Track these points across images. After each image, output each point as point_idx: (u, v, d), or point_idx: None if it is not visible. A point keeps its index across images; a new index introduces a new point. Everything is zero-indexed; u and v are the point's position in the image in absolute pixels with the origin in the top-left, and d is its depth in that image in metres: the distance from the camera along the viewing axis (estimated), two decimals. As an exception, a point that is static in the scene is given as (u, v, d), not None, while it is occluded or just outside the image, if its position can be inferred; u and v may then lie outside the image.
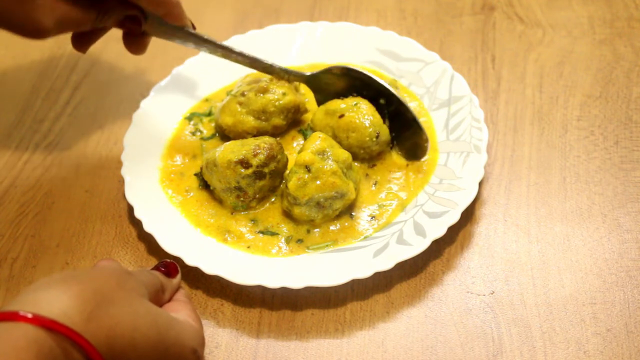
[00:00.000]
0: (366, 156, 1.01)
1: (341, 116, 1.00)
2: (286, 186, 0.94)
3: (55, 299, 0.67)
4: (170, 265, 0.85)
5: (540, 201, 0.98)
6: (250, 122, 1.03)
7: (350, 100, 1.01)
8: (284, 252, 0.94)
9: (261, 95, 1.03)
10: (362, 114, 0.99)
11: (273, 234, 0.95)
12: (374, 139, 0.99)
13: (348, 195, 0.94)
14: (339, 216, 0.96)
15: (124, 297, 0.72)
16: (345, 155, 0.95)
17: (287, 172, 0.97)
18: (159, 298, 0.81)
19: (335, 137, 0.99)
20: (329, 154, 0.94)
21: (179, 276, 0.86)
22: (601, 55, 1.14)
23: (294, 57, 1.16)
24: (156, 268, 0.85)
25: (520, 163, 1.02)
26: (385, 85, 1.02)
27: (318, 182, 0.92)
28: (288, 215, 0.97)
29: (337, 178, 0.92)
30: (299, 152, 0.95)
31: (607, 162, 1.01)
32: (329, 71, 1.05)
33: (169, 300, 0.83)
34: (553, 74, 1.13)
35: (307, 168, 0.92)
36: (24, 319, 0.65)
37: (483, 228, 0.96)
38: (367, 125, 0.99)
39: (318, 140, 0.95)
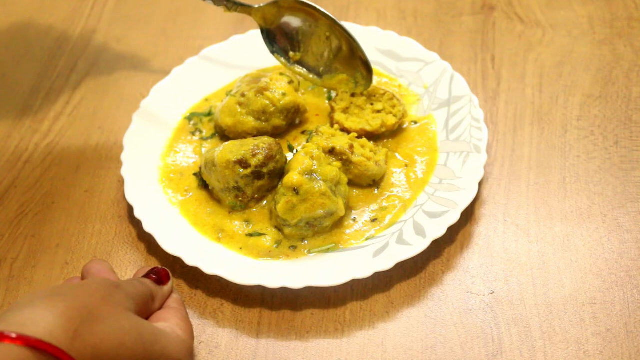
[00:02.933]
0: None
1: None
2: (275, 208, 0.94)
3: (40, 318, 0.68)
4: (161, 272, 0.85)
5: (540, 201, 0.98)
6: (251, 122, 1.03)
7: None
8: (275, 255, 0.94)
9: (261, 95, 1.03)
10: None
11: (261, 234, 0.95)
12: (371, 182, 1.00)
13: (337, 213, 0.93)
14: (340, 219, 0.96)
15: (109, 313, 0.72)
16: (333, 172, 0.93)
17: (276, 193, 0.96)
18: (148, 307, 0.80)
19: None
20: (317, 173, 0.93)
21: (170, 283, 0.85)
22: (601, 55, 1.14)
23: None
24: (147, 275, 0.84)
25: (520, 163, 1.02)
26: (333, 19, 1.02)
27: (307, 204, 0.91)
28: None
29: (326, 199, 0.91)
30: (286, 172, 0.94)
31: (607, 162, 1.01)
32: (276, 4, 1.04)
33: (160, 308, 0.83)
34: (553, 74, 1.13)
35: (296, 190, 0.92)
36: (9, 339, 0.65)
37: (483, 228, 0.96)
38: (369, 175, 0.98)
39: (305, 159, 0.93)
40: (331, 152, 0.97)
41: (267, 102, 1.02)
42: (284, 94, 1.03)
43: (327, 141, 0.97)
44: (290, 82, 1.04)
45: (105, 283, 0.76)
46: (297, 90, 1.06)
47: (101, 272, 0.83)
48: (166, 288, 0.84)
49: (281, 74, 1.05)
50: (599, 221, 0.96)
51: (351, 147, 0.97)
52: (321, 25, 1.03)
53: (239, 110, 1.03)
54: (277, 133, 1.04)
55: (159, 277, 0.84)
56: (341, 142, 0.98)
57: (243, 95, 1.03)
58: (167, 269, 0.86)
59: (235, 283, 0.90)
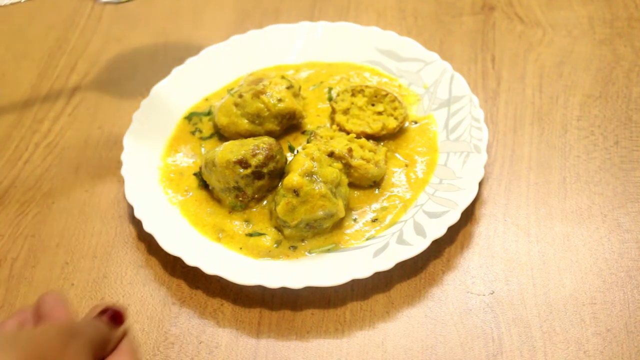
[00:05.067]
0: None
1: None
2: (275, 209, 0.94)
3: None
4: (117, 313, 0.78)
5: (540, 201, 0.98)
6: (244, 124, 1.03)
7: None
8: (275, 255, 0.94)
9: (257, 99, 1.02)
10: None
11: (261, 234, 0.95)
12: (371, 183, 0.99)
13: (337, 214, 0.93)
14: (340, 220, 0.96)
15: None
16: (334, 174, 0.93)
17: (276, 194, 0.95)
18: (103, 351, 0.76)
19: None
20: (317, 174, 0.92)
21: (125, 324, 0.79)
22: (601, 55, 1.14)
23: (294, 57, 1.16)
24: (101, 314, 0.78)
25: (520, 163, 1.02)
26: None
27: (307, 206, 0.91)
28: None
29: (326, 200, 0.91)
30: (286, 173, 0.94)
31: (607, 162, 1.01)
32: None
33: (113, 350, 0.77)
34: (553, 74, 1.13)
35: (296, 192, 0.92)
36: None
37: (483, 228, 0.96)
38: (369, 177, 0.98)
39: (305, 161, 0.93)
40: (330, 155, 0.97)
41: (262, 106, 1.02)
42: (280, 100, 1.02)
43: (325, 145, 0.97)
44: (289, 87, 1.04)
45: (64, 328, 0.72)
46: (296, 94, 1.06)
47: (55, 308, 0.79)
48: (121, 330, 0.78)
49: (282, 77, 1.05)
50: (599, 221, 0.96)
51: (350, 150, 0.97)
52: None
53: (235, 110, 1.03)
54: (272, 136, 1.03)
55: (114, 318, 0.78)
56: (340, 145, 0.98)
57: (240, 96, 1.03)
58: (123, 309, 0.79)
59: (235, 283, 0.90)
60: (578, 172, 1.01)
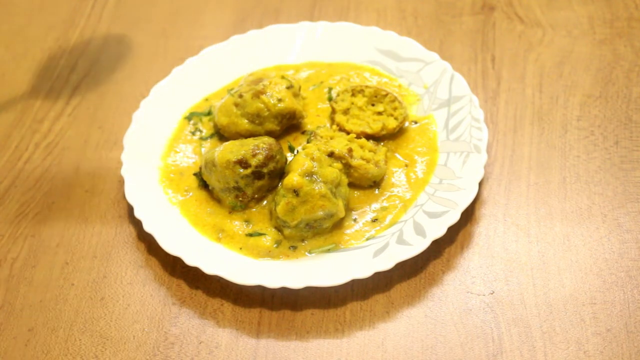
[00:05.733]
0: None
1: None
2: (275, 209, 0.94)
3: None
4: None
5: (540, 201, 0.98)
6: (244, 124, 1.03)
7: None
8: (275, 255, 0.94)
9: (257, 99, 1.02)
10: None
11: (261, 234, 0.95)
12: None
13: (337, 214, 0.93)
14: (340, 220, 0.96)
15: None
16: (334, 174, 0.93)
17: (276, 194, 0.95)
18: None
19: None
20: (317, 175, 0.92)
21: None
22: (601, 55, 1.14)
23: (294, 57, 1.16)
24: None
25: (520, 163, 1.02)
26: None
27: (307, 206, 0.91)
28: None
29: (326, 201, 0.91)
30: (286, 173, 0.94)
31: (607, 162, 1.01)
32: None
33: None
34: (553, 74, 1.13)
35: (296, 192, 0.92)
36: None
37: (483, 228, 0.96)
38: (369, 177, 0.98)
39: (305, 161, 0.93)
40: (330, 155, 0.97)
41: (262, 106, 1.02)
42: (280, 100, 1.02)
43: (325, 145, 0.97)
44: (289, 87, 1.04)
45: None
46: (296, 94, 1.06)
47: None
48: None
49: (282, 77, 1.05)
50: (599, 221, 0.96)
51: (350, 150, 0.97)
52: None
53: (235, 110, 1.03)
54: (272, 136, 1.03)
55: None
56: (340, 145, 0.98)
57: (240, 96, 1.03)
58: None
59: (235, 283, 0.90)
60: (578, 172, 1.01)
